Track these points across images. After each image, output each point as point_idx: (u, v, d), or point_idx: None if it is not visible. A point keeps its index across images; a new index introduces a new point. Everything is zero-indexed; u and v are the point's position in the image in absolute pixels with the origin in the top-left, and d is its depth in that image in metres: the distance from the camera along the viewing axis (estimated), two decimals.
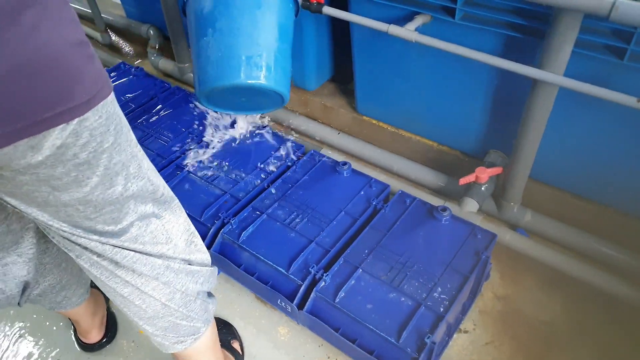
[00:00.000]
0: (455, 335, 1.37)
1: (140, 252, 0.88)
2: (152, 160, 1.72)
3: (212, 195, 1.60)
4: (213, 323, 1.11)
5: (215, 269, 1.05)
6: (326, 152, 1.77)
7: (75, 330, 1.43)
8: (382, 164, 1.82)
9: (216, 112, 1.61)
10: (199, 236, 1.01)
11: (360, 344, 1.22)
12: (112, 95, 0.71)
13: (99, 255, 0.85)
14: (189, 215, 1.50)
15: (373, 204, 1.50)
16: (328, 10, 1.50)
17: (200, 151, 1.74)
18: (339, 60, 2.04)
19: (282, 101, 1.41)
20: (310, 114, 2.07)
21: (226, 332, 1.41)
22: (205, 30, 1.31)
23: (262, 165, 1.68)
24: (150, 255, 0.89)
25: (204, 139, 1.79)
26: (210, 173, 1.66)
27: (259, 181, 1.64)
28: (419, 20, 1.39)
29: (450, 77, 1.53)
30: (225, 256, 1.45)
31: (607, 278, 1.40)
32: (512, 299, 1.46)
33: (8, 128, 0.59)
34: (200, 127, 1.85)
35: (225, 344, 1.35)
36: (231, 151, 1.75)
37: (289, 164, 1.69)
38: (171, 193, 0.93)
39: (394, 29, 1.38)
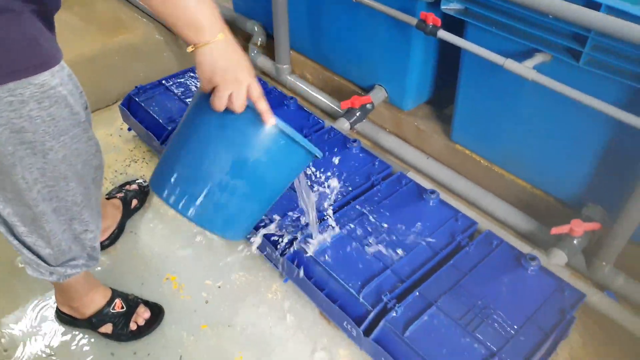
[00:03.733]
0: None
1: None
2: None
3: (292, 202, 1.58)
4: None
5: None
6: (412, 176, 1.73)
7: None
8: (470, 198, 1.75)
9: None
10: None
11: None
12: None
13: None
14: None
15: (457, 239, 1.44)
16: (443, 34, 1.46)
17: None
18: (438, 83, 1.99)
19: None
20: (401, 134, 2.03)
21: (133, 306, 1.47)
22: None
23: (346, 179, 1.66)
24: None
25: None
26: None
27: (341, 193, 1.61)
28: (538, 59, 1.32)
29: (560, 120, 1.45)
30: (297, 265, 1.44)
31: None
32: None
33: None
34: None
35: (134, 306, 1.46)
36: (319, 160, 1.73)
37: (374, 182, 1.65)
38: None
39: (510, 64, 1.32)
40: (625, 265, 1.46)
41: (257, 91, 0.95)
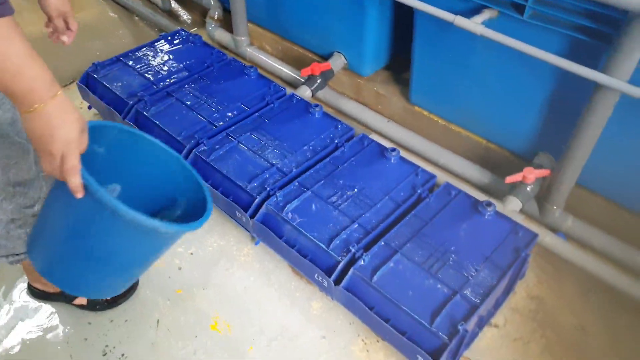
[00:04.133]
0: (485, 328, 1.39)
1: None
2: (204, 127, 1.77)
3: (259, 166, 1.63)
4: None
5: None
6: (374, 138, 1.79)
7: None
8: (429, 156, 1.83)
9: None
10: None
11: (393, 325, 1.25)
12: None
13: None
14: (234, 183, 1.56)
15: (418, 192, 1.52)
16: None
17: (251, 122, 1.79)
18: (396, 48, 2.05)
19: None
20: (361, 100, 2.09)
21: None
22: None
23: (311, 143, 1.71)
24: None
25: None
26: (260, 145, 1.70)
27: (307, 157, 1.66)
28: (486, 15, 1.39)
29: (509, 76, 1.54)
30: (268, 227, 1.49)
31: None
32: (545, 300, 1.47)
33: None
34: (253, 99, 1.89)
35: None
36: (283, 126, 1.78)
37: (338, 144, 1.71)
38: None
39: (460, 20, 1.38)
40: (573, 208, 1.57)
41: (68, 164, 0.87)
